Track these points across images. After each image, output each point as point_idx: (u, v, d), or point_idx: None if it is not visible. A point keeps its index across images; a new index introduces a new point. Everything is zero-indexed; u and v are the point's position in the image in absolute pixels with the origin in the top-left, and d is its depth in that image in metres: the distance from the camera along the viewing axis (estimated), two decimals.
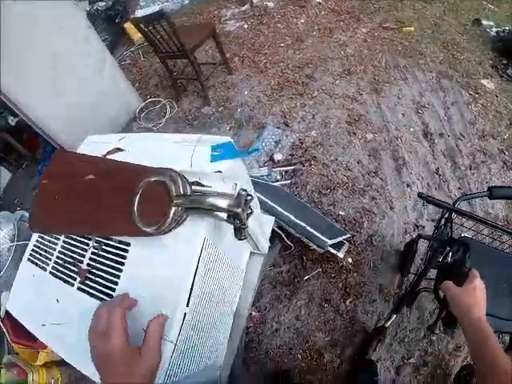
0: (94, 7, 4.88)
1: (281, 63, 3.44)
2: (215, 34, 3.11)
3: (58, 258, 0.92)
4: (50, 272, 0.91)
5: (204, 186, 0.76)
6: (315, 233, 1.61)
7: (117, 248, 0.81)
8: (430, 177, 2.45)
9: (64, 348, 0.83)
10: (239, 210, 0.65)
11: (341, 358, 1.86)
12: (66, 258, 0.90)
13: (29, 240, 1.13)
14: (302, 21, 3.93)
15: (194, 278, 0.71)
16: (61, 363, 2.18)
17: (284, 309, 2.02)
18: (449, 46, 3.39)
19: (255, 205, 1.19)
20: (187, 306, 0.70)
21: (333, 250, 1.74)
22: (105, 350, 0.58)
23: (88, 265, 0.84)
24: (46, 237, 0.99)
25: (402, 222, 2.23)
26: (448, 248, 1.39)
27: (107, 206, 0.82)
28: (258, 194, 1.65)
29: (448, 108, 2.86)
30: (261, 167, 2.64)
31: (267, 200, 1.72)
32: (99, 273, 0.82)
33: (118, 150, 0.94)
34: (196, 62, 3.12)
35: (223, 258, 0.90)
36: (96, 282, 0.81)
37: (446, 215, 1.42)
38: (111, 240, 0.83)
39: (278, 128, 2.86)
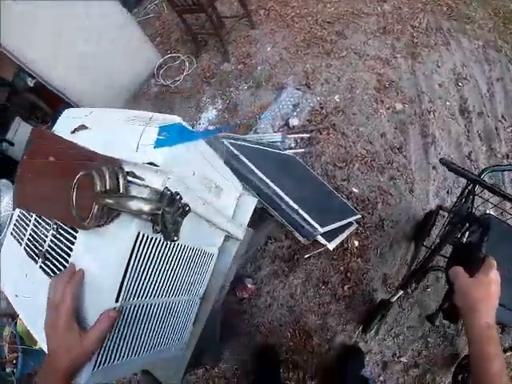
0: None
1: (309, 17, 3.08)
2: None
3: (30, 235, 0.94)
4: (24, 248, 0.93)
5: (138, 177, 0.69)
6: (306, 216, 1.38)
7: (68, 233, 0.80)
8: (461, 161, 2.17)
9: (29, 319, 0.88)
10: (159, 212, 0.62)
11: (329, 344, 1.80)
12: (35, 236, 0.92)
13: None
14: None
15: (124, 274, 0.69)
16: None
17: (280, 285, 1.96)
18: (500, 13, 2.89)
19: (232, 184, 1.09)
20: (116, 301, 0.69)
21: (322, 240, 1.44)
22: (52, 321, 0.65)
23: (49, 245, 0.85)
24: (24, 213, 1.01)
25: (420, 209, 2.02)
26: (467, 225, 1.27)
27: (59, 191, 0.79)
28: (252, 166, 1.47)
29: (492, 84, 2.49)
30: (275, 132, 2.45)
31: (258, 171, 1.49)
32: (55, 255, 0.82)
33: (83, 127, 0.93)
34: (215, 15, 2.87)
35: (175, 247, 0.85)
36: (52, 263, 0.82)
37: (470, 187, 1.33)
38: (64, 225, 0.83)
39: (299, 89, 2.61)
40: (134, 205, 0.61)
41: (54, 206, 0.84)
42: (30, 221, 0.96)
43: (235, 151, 1.51)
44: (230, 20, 3.22)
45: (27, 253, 0.92)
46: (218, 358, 1.86)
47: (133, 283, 0.72)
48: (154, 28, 3.87)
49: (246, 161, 1.50)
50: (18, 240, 0.98)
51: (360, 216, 1.94)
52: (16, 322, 2.51)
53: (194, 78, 3.13)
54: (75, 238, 0.77)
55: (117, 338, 0.74)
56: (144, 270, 0.75)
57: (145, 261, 0.73)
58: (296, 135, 2.37)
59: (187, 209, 0.68)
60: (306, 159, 2.27)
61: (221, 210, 0.98)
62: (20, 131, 3.87)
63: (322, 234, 1.45)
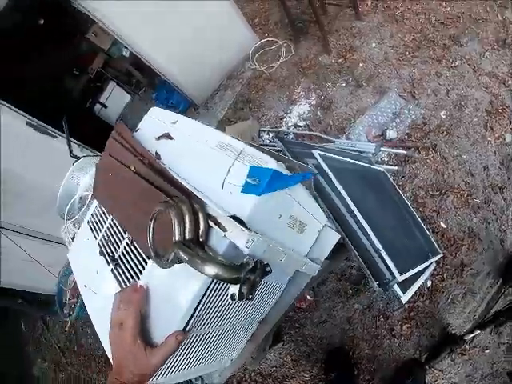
0: None
1: (422, 15, 2.78)
2: None
3: (105, 232, 0.93)
4: (98, 243, 0.93)
5: (220, 225, 0.63)
6: (387, 260, 1.29)
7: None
8: None
9: (94, 314, 0.89)
10: (238, 281, 0.57)
11: (371, 375, 1.81)
12: (110, 237, 0.91)
13: None
14: None
15: (195, 309, 0.69)
16: None
17: (340, 304, 1.96)
18: None
19: (315, 217, 0.98)
20: (184, 330, 0.69)
21: (397, 290, 1.33)
22: (118, 338, 0.67)
23: (122, 253, 0.85)
24: (102, 207, 0.98)
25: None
26: None
27: (137, 211, 0.80)
28: (342, 189, 1.38)
29: None
30: (369, 141, 2.32)
31: (347, 197, 1.38)
32: (127, 265, 0.82)
33: (168, 137, 0.91)
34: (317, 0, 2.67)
35: None
36: (123, 273, 0.81)
37: None
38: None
39: (402, 97, 2.41)
40: (210, 269, 0.55)
41: (130, 222, 0.82)
42: (106, 219, 0.94)
43: (326, 168, 1.40)
44: (334, 7, 3.00)
45: (100, 251, 0.90)
46: (259, 363, 1.96)
47: (200, 316, 0.72)
48: (253, 7, 3.68)
49: (337, 182, 1.39)
50: (93, 232, 0.97)
51: (441, 255, 1.79)
52: None
53: (289, 67, 2.99)
54: (148, 258, 0.76)
55: (177, 356, 0.77)
56: (213, 304, 0.74)
57: (216, 298, 0.73)
58: (391, 149, 2.22)
59: (268, 270, 0.62)
60: (397, 178, 2.13)
61: (299, 247, 0.91)
62: (113, 95, 4.25)
63: (399, 283, 1.34)
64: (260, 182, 0.64)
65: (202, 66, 3.18)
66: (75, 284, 2.89)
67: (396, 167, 2.19)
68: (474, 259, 1.88)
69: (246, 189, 0.65)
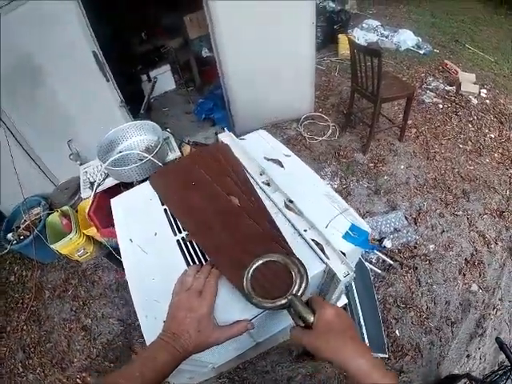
0: (323, 3, 5.12)
1: (449, 162, 3.45)
2: (411, 98, 3.23)
3: None
4: (165, 209, 1.01)
5: (324, 252, 0.82)
6: (365, 335, 1.80)
7: None
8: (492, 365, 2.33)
9: (132, 269, 0.90)
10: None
11: None
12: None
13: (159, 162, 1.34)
14: (492, 136, 3.79)
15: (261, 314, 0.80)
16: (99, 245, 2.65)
17: (287, 363, 2.19)
18: None
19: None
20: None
21: None
22: (193, 303, 0.70)
23: None
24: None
25: None
26: None
27: (231, 243, 0.85)
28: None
29: None
30: None
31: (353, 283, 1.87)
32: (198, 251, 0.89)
33: (280, 164, 1.07)
34: (379, 111, 3.29)
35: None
36: (193, 249, 0.89)
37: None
38: None
39: (406, 219, 2.96)
40: (310, 318, 0.66)
41: (214, 245, 0.86)
42: None
43: None
44: (386, 121, 3.69)
45: (168, 218, 0.97)
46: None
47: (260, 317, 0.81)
48: (319, 81, 4.33)
49: None
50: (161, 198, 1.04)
51: (387, 356, 2.19)
52: (50, 213, 2.85)
53: (328, 147, 3.59)
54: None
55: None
56: (274, 313, 0.85)
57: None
58: (382, 255, 2.71)
59: None
60: (376, 279, 2.59)
61: None
62: (163, 76, 4.50)
63: None
64: (357, 237, 0.85)
65: (260, 103, 3.56)
66: (37, 219, 2.92)
67: (380, 271, 2.67)
68: (411, 369, 2.24)
69: (347, 237, 0.86)
